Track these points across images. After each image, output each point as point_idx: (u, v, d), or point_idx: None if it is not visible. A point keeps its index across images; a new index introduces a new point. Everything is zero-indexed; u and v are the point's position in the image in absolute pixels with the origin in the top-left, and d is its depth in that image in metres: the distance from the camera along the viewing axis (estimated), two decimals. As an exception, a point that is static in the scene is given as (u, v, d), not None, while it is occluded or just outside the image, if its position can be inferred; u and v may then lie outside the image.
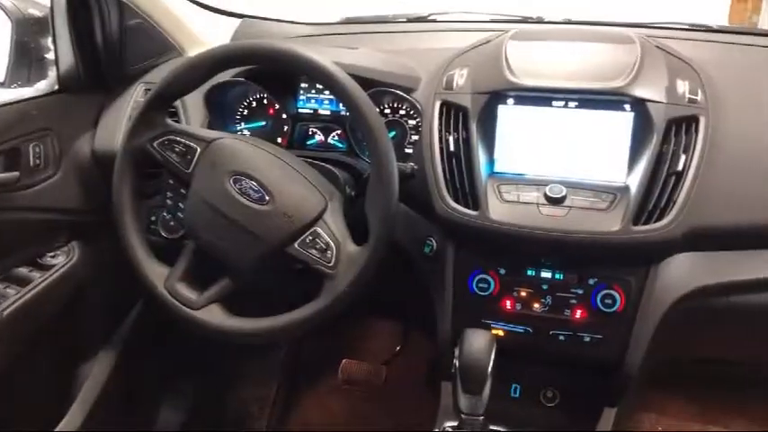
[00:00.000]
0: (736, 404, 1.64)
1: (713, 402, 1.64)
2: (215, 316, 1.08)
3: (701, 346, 1.36)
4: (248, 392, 1.81)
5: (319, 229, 1.04)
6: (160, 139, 1.10)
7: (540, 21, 1.52)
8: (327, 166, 1.18)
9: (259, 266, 1.07)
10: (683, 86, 1.13)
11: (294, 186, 1.07)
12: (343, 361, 1.83)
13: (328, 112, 1.34)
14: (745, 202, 1.09)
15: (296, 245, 1.04)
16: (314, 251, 1.03)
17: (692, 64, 1.20)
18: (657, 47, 1.22)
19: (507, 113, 1.17)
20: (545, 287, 1.15)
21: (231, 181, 1.06)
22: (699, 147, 1.08)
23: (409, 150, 1.26)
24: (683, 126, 1.10)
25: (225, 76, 1.30)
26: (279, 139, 1.34)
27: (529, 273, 1.16)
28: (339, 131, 1.33)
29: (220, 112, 1.37)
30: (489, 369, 1.01)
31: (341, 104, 1.32)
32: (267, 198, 1.05)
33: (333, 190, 1.12)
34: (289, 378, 1.84)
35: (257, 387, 1.82)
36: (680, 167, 1.07)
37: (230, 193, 1.06)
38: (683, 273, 1.11)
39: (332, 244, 1.03)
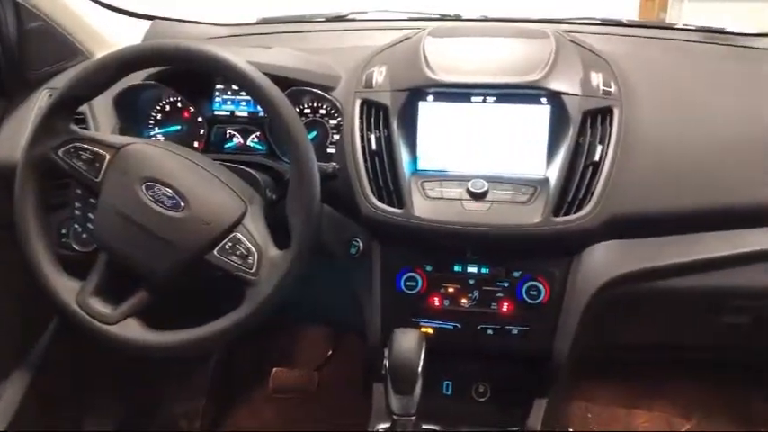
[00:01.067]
0: (659, 387, 1.69)
1: (639, 386, 1.70)
2: (132, 330, 1.03)
3: (625, 332, 1.40)
4: (176, 406, 1.74)
5: (239, 235, 1.01)
6: (65, 147, 1.04)
7: (457, 18, 1.53)
8: (246, 169, 1.14)
9: (177, 276, 1.03)
10: (596, 79, 1.15)
11: (211, 191, 1.04)
12: (274, 369, 1.79)
13: (246, 114, 1.30)
14: (661, 189, 1.12)
15: (215, 252, 1.00)
16: (234, 258, 1.00)
17: (605, 57, 1.23)
18: (571, 41, 1.24)
19: (428, 110, 1.16)
20: (472, 282, 1.15)
21: (143, 188, 1.01)
22: (614, 137, 1.10)
23: (331, 150, 1.24)
24: (598, 117, 1.12)
25: (135, 79, 1.24)
26: (195, 144, 1.29)
27: (456, 268, 1.15)
28: (258, 133, 1.29)
29: (132, 117, 1.31)
30: (420, 368, 1.00)
31: (258, 105, 1.29)
32: (182, 204, 1.01)
33: (252, 193, 1.09)
34: (219, 389, 1.78)
35: (186, 400, 1.75)
36: (596, 158, 1.09)
37: (143, 201, 1.01)
38: (604, 261, 1.13)
39: (253, 249, 1.00)
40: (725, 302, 1.24)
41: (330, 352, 1.82)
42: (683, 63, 1.31)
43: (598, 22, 1.47)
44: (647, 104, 1.17)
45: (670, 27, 1.55)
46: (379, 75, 1.20)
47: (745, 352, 1.55)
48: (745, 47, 1.38)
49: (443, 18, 1.53)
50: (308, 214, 1.00)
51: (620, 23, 1.48)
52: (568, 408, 1.62)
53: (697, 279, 1.16)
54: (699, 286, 1.16)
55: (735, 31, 1.44)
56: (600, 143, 1.10)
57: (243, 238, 1.01)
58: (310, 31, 1.52)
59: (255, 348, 1.83)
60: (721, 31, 1.44)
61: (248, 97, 1.29)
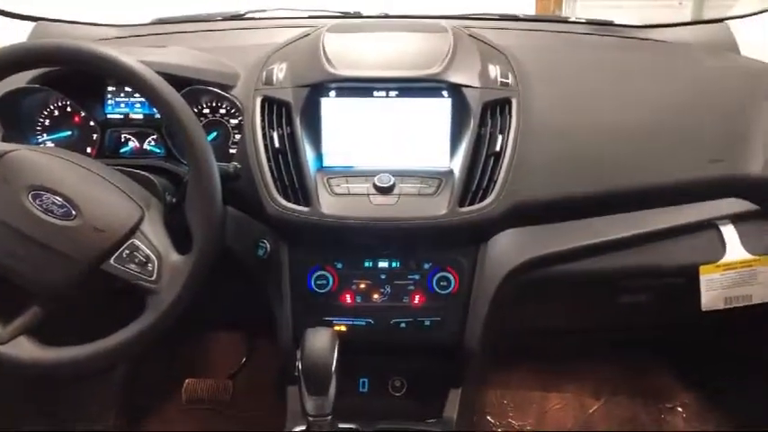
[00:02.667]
0: (571, 369, 1.75)
1: (551, 370, 1.74)
2: (24, 349, 0.97)
3: (534, 316, 1.44)
4: (82, 425, 1.65)
5: (137, 242, 0.96)
6: None
7: (357, 15, 1.52)
8: (142, 173, 1.09)
9: (72, 289, 0.97)
10: (494, 71, 1.18)
11: (104, 198, 0.99)
12: (186, 380, 1.73)
13: (141, 117, 1.25)
14: (560, 176, 1.16)
15: (111, 261, 0.95)
16: (133, 266, 0.95)
17: (502, 50, 1.25)
18: (470, 35, 1.26)
19: (330, 106, 1.15)
20: (383, 277, 1.15)
21: (30, 197, 0.95)
22: (513, 127, 1.13)
23: (233, 150, 1.21)
24: (497, 108, 1.14)
25: (19, 82, 1.16)
26: (88, 149, 1.23)
27: (366, 264, 1.15)
28: (155, 136, 1.24)
29: (16, 123, 1.23)
30: (333, 367, 0.99)
31: (153, 107, 1.23)
32: (74, 213, 0.95)
33: (150, 198, 1.04)
34: (128, 403, 1.70)
35: (92, 418, 1.66)
36: (498, 148, 1.11)
37: (30, 211, 0.94)
38: (509, 248, 1.16)
39: (152, 256, 0.96)
40: (626, 282, 1.29)
41: (244, 358, 1.78)
42: (576, 54, 1.36)
43: (495, 17, 1.51)
44: (544, 94, 1.20)
45: (563, 20, 1.60)
46: (279, 71, 1.18)
47: (647, 330, 1.62)
48: (631, 38, 1.45)
49: (344, 16, 1.52)
50: (208, 217, 0.97)
51: (516, 18, 1.52)
52: (484, 395, 1.65)
53: (599, 261, 1.20)
54: (601, 268, 1.21)
55: (622, 23, 1.50)
56: (500, 133, 1.12)
57: (141, 245, 0.96)
58: (208, 31, 1.48)
59: (166, 358, 1.76)
60: (610, 24, 1.51)
61: (143, 99, 1.24)
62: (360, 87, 1.15)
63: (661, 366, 1.75)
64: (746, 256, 1.20)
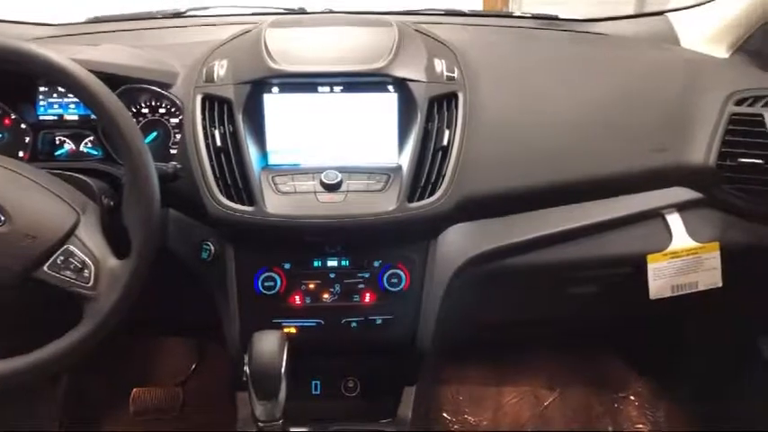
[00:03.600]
0: (526, 363, 1.76)
1: (506, 364, 1.75)
2: None
3: (487, 311, 1.43)
4: None
5: (72, 247, 0.92)
6: None
7: (301, 11, 1.50)
8: (78, 176, 1.04)
9: (3, 299, 0.92)
10: (440, 65, 1.16)
11: (36, 202, 0.94)
12: (134, 390, 1.67)
13: (76, 117, 1.19)
14: (507, 169, 1.16)
15: (45, 268, 0.91)
16: (68, 272, 0.91)
17: (448, 44, 1.25)
18: (416, 30, 1.25)
19: (274, 103, 1.12)
20: (332, 276, 1.12)
21: None
22: (460, 121, 1.12)
23: (174, 150, 1.17)
24: (444, 103, 1.13)
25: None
26: (20, 153, 1.18)
27: (315, 264, 1.12)
28: (92, 138, 1.19)
29: (-60, 127, 1.16)
30: (283, 370, 0.96)
31: (87, 107, 1.18)
32: (2, 218, 0.90)
33: (86, 202, 1.00)
34: (73, 416, 1.63)
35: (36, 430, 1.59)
36: (445, 142, 1.10)
37: None
38: (459, 243, 1.15)
39: (89, 261, 0.92)
40: (576, 273, 1.30)
41: (194, 365, 1.73)
42: (523, 48, 1.36)
43: (441, 12, 1.50)
44: (491, 88, 1.20)
45: (508, 15, 1.61)
46: (220, 68, 1.15)
47: (598, 320, 1.64)
48: (576, 32, 1.46)
49: (288, 12, 1.50)
50: (146, 219, 0.93)
51: (462, 14, 1.51)
52: (440, 392, 1.64)
53: (549, 253, 1.21)
54: (551, 260, 1.21)
55: (566, 17, 1.52)
56: (447, 128, 1.12)
57: (76, 251, 0.92)
58: (146, 29, 1.43)
59: (112, 368, 1.70)
60: (555, 18, 1.52)
61: (77, 99, 1.19)
62: (303, 83, 1.13)
63: (613, 355, 1.78)
64: (692, 243, 1.22)
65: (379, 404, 1.20)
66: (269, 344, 0.97)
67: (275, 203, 1.06)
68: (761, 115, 1.19)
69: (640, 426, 1.62)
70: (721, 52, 1.36)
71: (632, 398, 1.67)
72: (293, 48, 1.15)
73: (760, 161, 1.17)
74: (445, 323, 1.17)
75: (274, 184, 1.08)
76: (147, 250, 0.93)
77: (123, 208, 0.96)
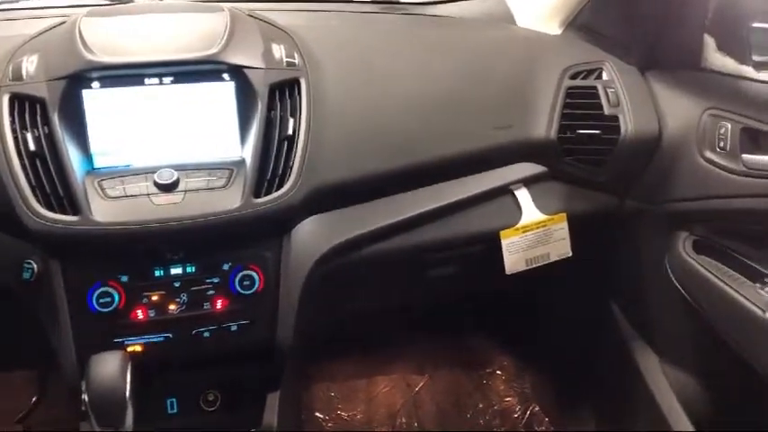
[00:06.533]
0: (396, 351, 1.75)
1: (377, 355, 1.73)
2: None
3: (352, 303, 1.40)
4: None
5: None
6: None
7: (123, 1, 1.37)
8: None
9: None
10: (279, 51, 1.11)
11: None
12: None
13: None
14: (357, 155, 1.12)
15: None
16: None
17: (286, 30, 1.19)
18: (250, 15, 1.18)
19: (95, 99, 1.01)
20: (178, 285, 1.03)
21: None
22: (304, 108, 1.07)
23: None
24: (285, 90, 1.07)
25: None
26: None
27: (157, 273, 1.02)
28: None
29: None
30: (127, 394, 0.87)
31: None
32: None
33: None
34: None
35: None
36: (290, 131, 1.05)
37: None
38: (314, 237, 1.10)
39: None
40: (434, 256, 1.29)
41: (35, 397, 1.55)
42: (365, 32, 1.33)
43: None
44: (334, 73, 1.16)
45: (348, 0, 1.57)
46: (29, 64, 1.02)
47: (460, 300, 1.66)
48: (418, 14, 1.46)
49: (109, 3, 1.36)
50: None
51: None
52: (310, 391, 1.59)
53: (406, 238, 1.19)
54: (408, 244, 1.19)
55: (406, 0, 1.50)
56: (291, 116, 1.06)
57: None
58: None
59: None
60: (395, 2, 1.50)
61: None
62: (127, 75, 1.02)
63: (479, 334, 1.81)
64: (541, 216, 1.25)
65: (243, 414, 1.13)
66: (108, 367, 0.88)
67: (103, 210, 0.95)
68: (594, 87, 1.23)
69: (508, 399, 1.66)
70: (554, 29, 1.40)
71: (499, 372, 1.71)
72: (113, 37, 1.05)
73: (597, 131, 1.21)
74: (307, 320, 1.12)
75: (101, 189, 0.98)
76: None
77: None
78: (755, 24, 1.18)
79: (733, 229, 1.15)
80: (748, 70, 1.14)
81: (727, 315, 1.10)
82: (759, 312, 1.02)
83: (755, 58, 1.15)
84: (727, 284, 1.09)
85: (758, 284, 1.06)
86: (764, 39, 1.21)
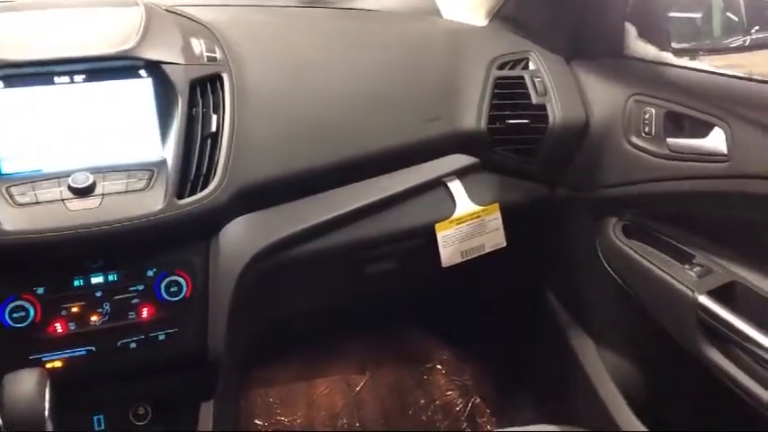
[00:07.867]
0: (336, 351, 1.71)
1: (317, 357, 1.69)
2: None
3: (288, 304, 1.36)
4: None
5: None
6: None
7: None
8: None
9: None
10: (199, 46, 1.07)
11: None
12: None
13: None
14: (285, 151, 1.09)
15: None
16: None
17: (206, 24, 1.15)
18: (167, 10, 1.13)
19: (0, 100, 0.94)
20: (99, 294, 0.97)
21: None
22: (228, 104, 1.04)
23: None
24: (207, 86, 1.04)
25: None
26: None
27: (76, 283, 0.96)
28: None
29: None
30: (47, 413, 0.81)
31: None
32: None
33: None
34: None
35: None
36: (214, 128, 1.01)
37: None
38: (244, 238, 1.06)
39: None
40: (370, 252, 1.27)
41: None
42: (289, 26, 1.31)
43: None
44: (259, 68, 1.13)
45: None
46: None
47: (400, 296, 1.64)
48: (344, 8, 1.44)
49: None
50: None
51: None
52: (248, 399, 1.54)
53: (340, 234, 1.16)
54: (343, 241, 1.17)
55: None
56: (214, 113, 1.02)
57: None
58: None
59: None
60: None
61: None
62: (34, 74, 0.96)
63: (419, 329, 1.80)
64: (474, 208, 1.25)
65: (176, 428, 1.08)
66: (23, 386, 0.81)
67: (12, 218, 0.89)
68: (522, 77, 1.24)
69: (450, 393, 1.65)
70: (480, 20, 1.40)
71: (439, 367, 1.70)
72: (15, 34, 0.98)
73: (526, 121, 1.22)
74: (240, 325, 1.08)
75: (10, 196, 0.91)
76: None
77: None
78: (672, 14, 1.22)
79: (661, 212, 1.17)
80: (669, 56, 1.17)
81: (658, 297, 1.12)
82: (688, 293, 1.05)
83: (674, 45, 1.18)
84: (656, 266, 1.11)
85: (686, 266, 1.09)
86: (681, 27, 1.25)
